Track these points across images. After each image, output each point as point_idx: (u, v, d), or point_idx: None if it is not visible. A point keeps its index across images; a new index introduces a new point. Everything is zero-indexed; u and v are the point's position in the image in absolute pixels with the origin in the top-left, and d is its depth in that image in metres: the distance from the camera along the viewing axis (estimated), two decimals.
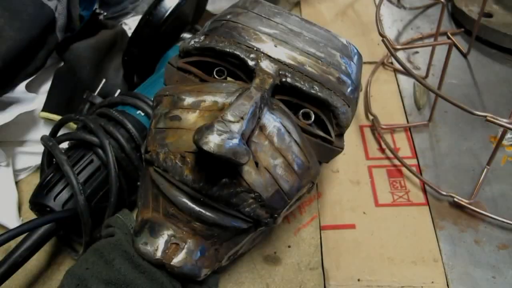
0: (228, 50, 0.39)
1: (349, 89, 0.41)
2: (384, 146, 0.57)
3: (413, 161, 0.56)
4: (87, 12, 0.62)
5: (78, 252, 0.49)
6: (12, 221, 0.51)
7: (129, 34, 0.66)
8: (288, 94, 0.39)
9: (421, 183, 0.54)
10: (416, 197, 0.53)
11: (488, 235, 0.49)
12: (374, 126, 0.59)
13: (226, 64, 0.40)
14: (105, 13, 0.71)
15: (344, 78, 0.41)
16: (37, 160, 0.56)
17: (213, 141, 0.30)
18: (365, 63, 0.68)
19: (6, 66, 0.50)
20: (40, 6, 0.53)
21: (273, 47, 0.39)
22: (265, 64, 0.38)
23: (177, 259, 0.36)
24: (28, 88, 0.57)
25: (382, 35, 0.52)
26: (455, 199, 0.50)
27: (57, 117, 0.56)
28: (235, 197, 0.35)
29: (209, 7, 0.69)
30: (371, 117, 0.60)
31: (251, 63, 0.38)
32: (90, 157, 0.47)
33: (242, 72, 0.40)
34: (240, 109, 0.33)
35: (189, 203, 0.35)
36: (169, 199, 0.36)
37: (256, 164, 0.35)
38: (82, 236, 0.45)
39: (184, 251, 0.36)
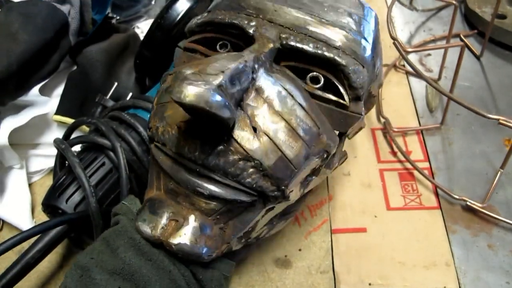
0: (226, 20, 0.38)
1: (361, 48, 0.38)
2: (396, 149, 0.57)
3: (425, 164, 0.55)
4: (100, 16, 0.63)
5: None
6: (25, 223, 0.52)
7: (142, 38, 0.67)
8: (293, 59, 0.38)
9: (433, 187, 0.53)
10: (428, 200, 0.52)
11: (501, 240, 0.49)
12: (386, 129, 0.59)
13: (228, 37, 0.39)
14: (118, 17, 0.72)
15: (354, 36, 0.38)
16: (50, 162, 0.56)
17: (184, 90, 0.28)
18: None
19: (20, 69, 0.51)
20: (54, 10, 0.54)
21: (273, 12, 0.38)
22: (265, 29, 0.37)
23: (176, 236, 0.34)
24: (42, 91, 0.58)
25: (393, 37, 0.52)
26: (468, 203, 0.50)
27: (70, 120, 0.56)
28: (233, 166, 0.33)
29: None
30: (382, 120, 0.60)
31: (250, 29, 0.37)
32: (101, 160, 0.47)
33: (244, 42, 0.38)
34: (222, 64, 0.31)
35: (186, 175, 0.34)
36: (168, 175, 0.35)
37: (255, 129, 0.33)
38: (94, 238, 0.45)
39: (183, 228, 0.34)
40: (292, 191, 0.36)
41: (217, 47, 0.39)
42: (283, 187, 0.34)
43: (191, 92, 0.28)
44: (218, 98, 0.29)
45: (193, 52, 0.41)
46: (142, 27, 0.73)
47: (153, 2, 0.74)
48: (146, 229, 0.34)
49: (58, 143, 0.47)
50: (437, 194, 0.53)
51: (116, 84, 0.60)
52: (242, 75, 0.32)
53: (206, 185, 0.33)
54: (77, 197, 0.45)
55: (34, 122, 0.55)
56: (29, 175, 0.57)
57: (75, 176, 0.45)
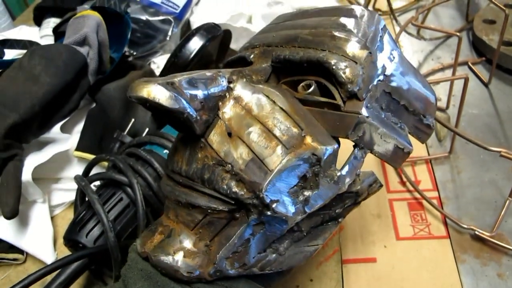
0: (235, 57, 0.43)
1: (352, 44, 0.36)
2: (405, 179, 0.58)
3: (434, 194, 0.56)
4: (118, 54, 0.66)
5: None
6: (48, 255, 0.54)
7: (157, 73, 0.70)
8: (289, 73, 0.39)
9: (442, 216, 0.54)
10: (437, 230, 0.53)
11: (511, 269, 0.49)
12: None
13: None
14: (134, 53, 0.75)
15: (343, 35, 0.37)
16: (71, 196, 0.59)
17: (133, 87, 0.32)
18: None
19: (43, 109, 0.54)
20: (74, 53, 0.57)
21: (272, 37, 0.41)
22: (262, 53, 0.41)
23: (156, 249, 0.34)
24: (63, 129, 0.61)
25: None
26: (477, 232, 0.51)
27: (89, 156, 0.59)
28: (208, 172, 0.33)
29: (233, 45, 0.72)
30: None
31: (249, 57, 0.41)
32: (119, 196, 0.50)
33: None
34: (191, 73, 0.34)
35: (171, 187, 0.36)
36: (163, 191, 0.37)
37: (230, 134, 0.34)
38: (113, 270, 0.47)
39: (165, 240, 0.35)
40: (277, 200, 0.33)
41: None
42: (258, 192, 0.32)
43: (139, 86, 0.31)
44: (162, 90, 0.31)
45: None
46: (158, 62, 0.76)
47: (168, 38, 0.77)
48: (139, 245, 0.36)
49: (78, 180, 0.49)
50: (446, 224, 0.53)
51: (133, 120, 0.62)
52: (212, 82, 0.35)
53: (183, 194, 0.35)
54: (96, 231, 0.47)
55: (56, 158, 0.58)
56: (51, 208, 0.59)
57: (94, 212, 0.47)
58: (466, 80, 0.52)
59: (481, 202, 0.55)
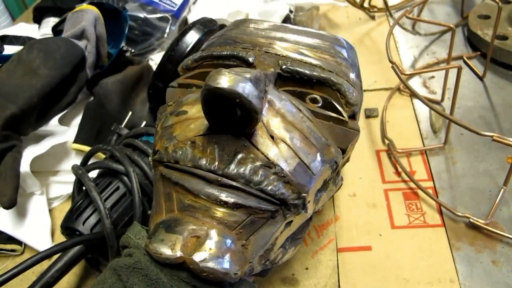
0: (225, 53, 0.40)
1: (351, 73, 0.41)
2: (400, 170, 0.59)
3: (429, 184, 0.57)
4: (115, 50, 0.67)
5: None
6: (46, 246, 0.54)
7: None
8: (291, 84, 0.40)
9: (437, 205, 0.54)
10: (432, 218, 0.53)
11: (505, 256, 0.49)
12: (390, 151, 0.61)
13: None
14: (132, 50, 0.76)
15: (344, 62, 0.41)
16: (69, 189, 0.59)
17: (224, 79, 0.30)
18: (381, 89, 0.70)
19: (41, 101, 0.55)
20: (72, 46, 0.58)
21: (268, 45, 0.41)
22: (263, 58, 0.40)
23: (200, 253, 0.31)
24: (61, 121, 0.61)
25: (391, 61, 0.54)
26: (471, 220, 0.51)
27: (87, 148, 0.60)
28: (255, 173, 0.33)
29: None
30: (387, 142, 0.62)
31: (249, 58, 0.40)
32: (116, 185, 0.50)
33: None
34: (242, 70, 0.33)
35: (206, 187, 0.33)
36: (185, 189, 0.34)
37: (272, 137, 0.34)
38: (109, 259, 0.47)
39: (206, 243, 0.32)
40: (309, 201, 0.36)
41: None
42: (303, 194, 0.35)
43: (229, 78, 0.30)
44: (251, 86, 0.30)
45: (188, 87, 0.42)
46: (156, 59, 0.77)
47: (165, 35, 0.78)
48: (165, 249, 0.31)
49: (75, 169, 0.50)
50: (441, 212, 0.54)
51: (130, 113, 0.63)
52: (260, 83, 0.33)
53: (230, 194, 0.33)
54: (93, 219, 0.48)
55: (54, 151, 0.58)
56: (49, 201, 0.60)
57: (91, 200, 0.48)
58: (459, 70, 0.52)
59: (476, 192, 0.55)
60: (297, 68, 0.39)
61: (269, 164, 0.33)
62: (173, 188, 0.35)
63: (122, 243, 0.37)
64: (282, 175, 0.34)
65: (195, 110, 0.37)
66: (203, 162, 0.33)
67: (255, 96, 0.30)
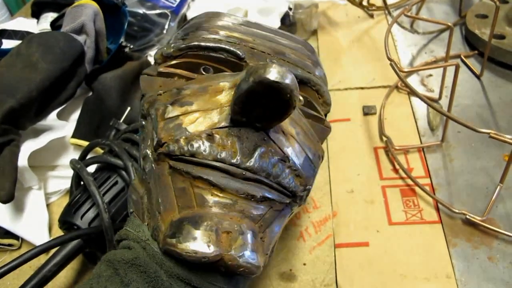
0: (215, 45, 0.39)
1: (323, 74, 0.43)
2: (397, 167, 0.59)
3: (427, 181, 0.57)
4: (115, 45, 0.67)
5: None
6: (43, 241, 0.54)
7: None
8: None
9: (434, 202, 0.55)
10: (429, 215, 0.54)
11: (502, 252, 0.50)
12: (388, 148, 0.61)
13: (211, 62, 0.39)
14: (131, 46, 0.76)
15: (316, 64, 0.43)
16: (67, 183, 0.59)
17: (276, 72, 0.29)
18: (379, 87, 0.71)
19: (40, 95, 0.55)
20: (71, 40, 0.58)
21: (253, 41, 0.41)
22: (251, 54, 0.40)
23: (237, 248, 0.31)
24: (59, 116, 0.61)
25: (389, 59, 0.54)
26: (468, 217, 0.51)
27: (85, 143, 0.60)
28: (273, 167, 0.34)
29: None
30: (384, 139, 0.62)
31: (241, 53, 0.39)
32: (115, 179, 0.50)
33: (229, 66, 0.39)
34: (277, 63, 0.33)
35: (233, 181, 0.33)
36: (209, 183, 0.32)
37: (283, 132, 0.35)
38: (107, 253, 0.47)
39: (241, 237, 0.31)
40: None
41: (201, 70, 0.40)
42: (308, 186, 0.37)
43: (281, 70, 0.29)
44: (296, 80, 0.30)
45: (170, 76, 0.40)
46: None
47: (164, 32, 0.78)
48: (200, 247, 0.30)
49: (74, 163, 0.50)
50: (438, 209, 0.54)
51: (129, 108, 0.63)
52: None
53: (256, 188, 0.33)
54: (91, 213, 0.48)
55: (52, 145, 0.58)
56: (47, 195, 0.60)
57: (89, 194, 0.48)
58: (457, 68, 0.53)
59: (473, 189, 0.56)
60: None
61: (284, 158, 0.34)
62: (191, 183, 0.33)
63: (119, 237, 0.36)
64: (294, 168, 0.35)
65: (202, 102, 0.35)
66: (225, 155, 0.33)
67: (296, 88, 0.30)
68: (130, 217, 0.37)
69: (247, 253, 0.31)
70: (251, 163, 0.33)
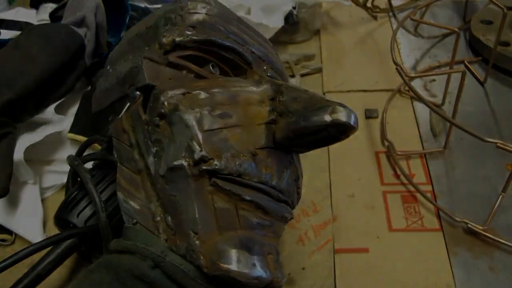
0: (229, 44, 0.38)
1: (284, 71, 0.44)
2: (399, 172, 0.58)
3: (428, 187, 0.56)
4: (115, 39, 0.66)
5: None
6: (37, 237, 0.53)
7: None
8: None
9: (435, 209, 0.54)
10: (430, 222, 0.53)
11: (503, 262, 0.49)
12: (390, 153, 0.60)
13: (217, 60, 0.38)
14: None
15: (279, 60, 0.43)
16: (63, 178, 0.58)
17: (346, 113, 0.30)
18: (382, 90, 0.70)
19: (38, 88, 0.54)
20: (71, 33, 0.57)
21: (252, 44, 0.40)
22: (253, 58, 0.39)
23: (278, 269, 0.31)
24: (57, 110, 0.60)
25: (396, 63, 0.53)
26: (469, 225, 0.51)
27: (83, 138, 0.58)
28: (293, 187, 0.35)
29: None
30: (386, 144, 0.61)
31: (250, 59, 0.39)
32: (113, 177, 0.49)
33: (230, 67, 0.39)
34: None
35: (272, 203, 0.32)
36: (257, 206, 0.31)
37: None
38: (103, 252, 0.46)
39: (278, 259, 0.32)
40: None
41: (210, 67, 0.38)
42: (295, 204, 0.37)
43: (349, 112, 0.30)
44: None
45: (178, 68, 0.37)
46: None
47: None
48: (260, 273, 0.29)
49: (71, 160, 0.49)
50: (439, 217, 0.53)
51: (128, 104, 0.62)
52: None
53: (288, 210, 0.34)
54: (88, 211, 0.47)
55: (49, 139, 0.57)
56: (42, 190, 0.58)
57: (86, 192, 0.47)
58: (463, 74, 0.52)
59: (475, 197, 0.55)
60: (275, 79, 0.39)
61: (298, 177, 0.35)
62: (238, 205, 0.31)
63: (123, 248, 0.32)
64: (299, 187, 0.36)
65: (241, 115, 0.33)
66: (268, 177, 0.32)
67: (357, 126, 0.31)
68: (134, 227, 0.33)
69: (283, 273, 0.32)
70: (283, 185, 0.33)
